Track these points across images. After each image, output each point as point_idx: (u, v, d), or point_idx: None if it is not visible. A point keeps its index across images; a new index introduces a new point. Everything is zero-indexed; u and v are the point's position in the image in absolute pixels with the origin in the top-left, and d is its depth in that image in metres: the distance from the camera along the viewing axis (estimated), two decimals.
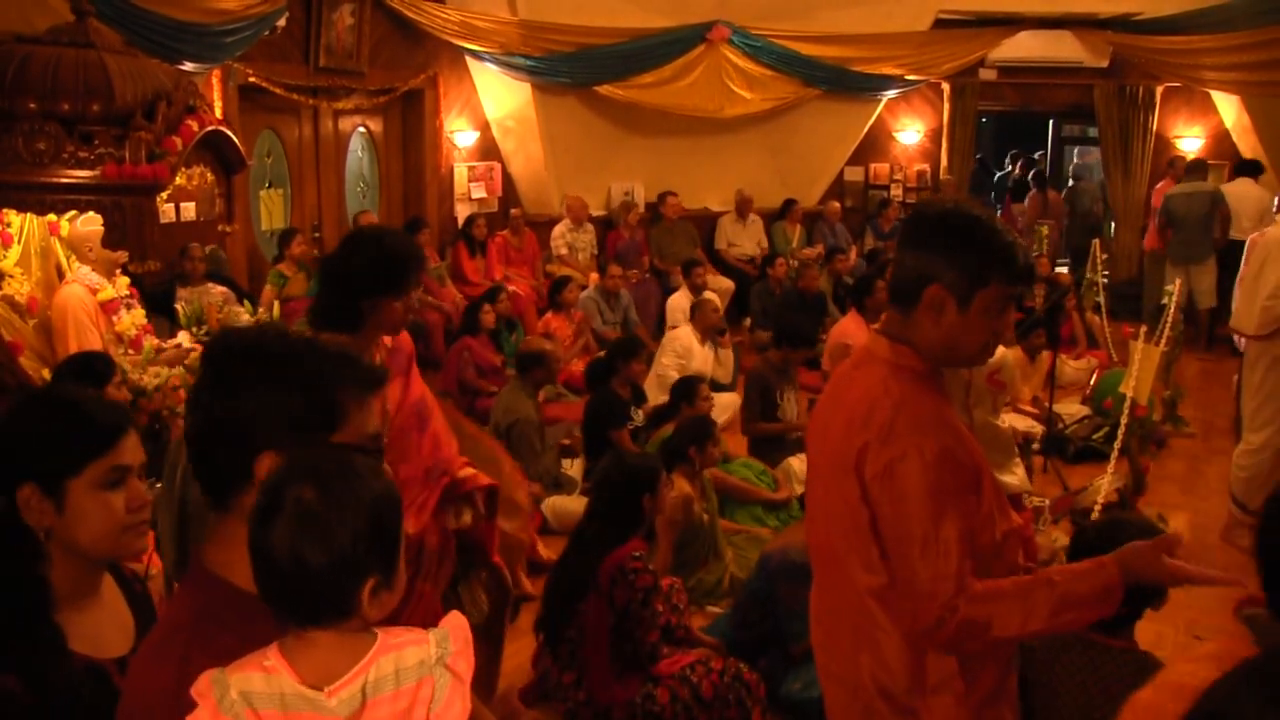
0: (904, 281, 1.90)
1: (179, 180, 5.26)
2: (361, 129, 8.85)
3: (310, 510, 1.15)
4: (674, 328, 7.39)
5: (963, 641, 1.80)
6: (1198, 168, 9.48)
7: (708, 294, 7.88)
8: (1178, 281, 6.81)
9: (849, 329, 6.92)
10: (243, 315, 4.94)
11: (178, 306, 5.02)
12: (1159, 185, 10.20)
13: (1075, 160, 13.62)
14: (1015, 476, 3.48)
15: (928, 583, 1.77)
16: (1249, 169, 9.57)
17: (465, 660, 1.21)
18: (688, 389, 5.48)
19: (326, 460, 1.21)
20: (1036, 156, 13.57)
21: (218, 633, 1.24)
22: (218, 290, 5.87)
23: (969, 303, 1.84)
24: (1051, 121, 12.83)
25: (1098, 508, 4.13)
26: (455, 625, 1.24)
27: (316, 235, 8.31)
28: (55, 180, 4.76)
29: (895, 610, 1.86)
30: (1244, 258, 6.03)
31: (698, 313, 7.14)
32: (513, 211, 9.44)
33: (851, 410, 1.90)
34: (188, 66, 6.20)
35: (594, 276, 8.87)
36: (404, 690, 1.17)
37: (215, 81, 6.93)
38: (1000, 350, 2.97)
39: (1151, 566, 1.83)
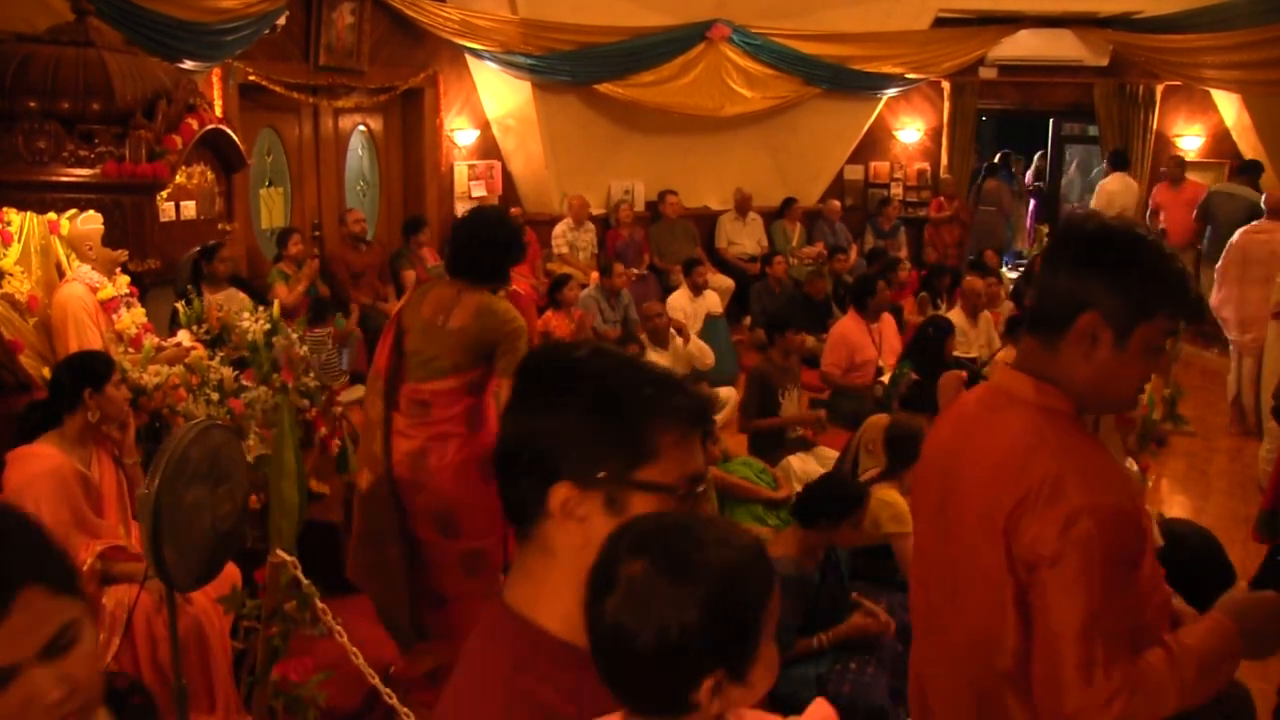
0: (1051, 306, 1.65)
1: (179, 179, 5.25)
2: (362, 127, 8.85)
3: (636, 587, 1.00)
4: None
5: None
6: (1248, 169, 9.46)
7: (672, 298, 7.88)
8: None
9: (849, 329, 6.95)
10: (245, 316, 4.95)
11: (178, 306, 5.03)
12: (1155, 189, 10.21)
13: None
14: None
15: (1082, 672, 1.50)
16: (1120, 163, 10.23)
17: None
18: None
19: (665, 527, 1.04)
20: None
21: (535, 686, 1.09)
22: (240, 296, 5.91)
23: (1128, 336, 1.59)
24: (1051, 120, 12.81)
25: None
26: (822, 716, 1.11)
27: (316, 234, 8.32)
28: (55, 179, 4.75)
29: (1038, 700, 1.58)
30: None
31: (642, 322, 7.13)
32: (513, 210, 9.44)
33: (998, 462, 1.62)
34: (188, 65, 6.19)
35: (594, 275, 8.87)
36: None
37: (215, 80, 6.93)
38: None
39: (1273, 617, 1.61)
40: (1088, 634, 1.49)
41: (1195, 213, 9.33)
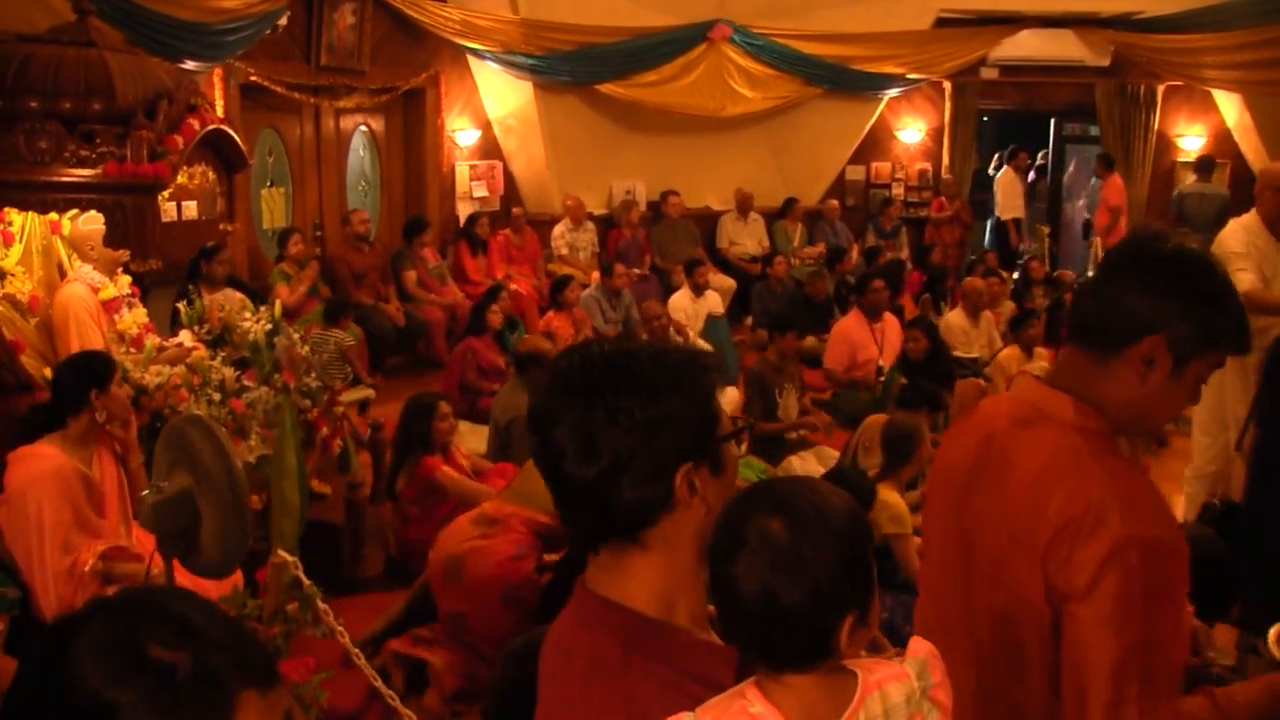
0: (1110, 323, 1.56)
1: (180, 179, 5.26)
2: (363, 128, 8.85)
3: (781, 545, 1.07)
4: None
5: None
6: (1205, 167, 9.51)
7: (674, 298, 7.89)
8: None
9: (851, 328, 6.96)
10: (247, 316, 4.95)
11: (179, 306, 5.03)
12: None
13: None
14: None
15: (1112, 711, 1.42)
16: (1014, 159, 11.25)
17: (945, 690, 1.15)
18: None
19: (783, 486, 1.15)
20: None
21: (648, 665, 1.15)
22: (237, 296, 5.92)
23: (1185, 365, 1.53)
24: (1053, 120, 12.80)
25: None
26: (929, 652, 1.17)
27: (318, 234, 8.32)
28: (57, 179, 4.76)
29: None
30: None
31: (643, 322, 7.16)
32: (514, 210, 9.45)
33: (1033, 483, 1.54)
34: (189, 65, 6.20)
35: (595, 275, 8.87)
36: None
37: (217, 80, 6.94)
38: None
39: None
40: (1121, 672, 1.41)
41: (1171, 212, 9.52)
